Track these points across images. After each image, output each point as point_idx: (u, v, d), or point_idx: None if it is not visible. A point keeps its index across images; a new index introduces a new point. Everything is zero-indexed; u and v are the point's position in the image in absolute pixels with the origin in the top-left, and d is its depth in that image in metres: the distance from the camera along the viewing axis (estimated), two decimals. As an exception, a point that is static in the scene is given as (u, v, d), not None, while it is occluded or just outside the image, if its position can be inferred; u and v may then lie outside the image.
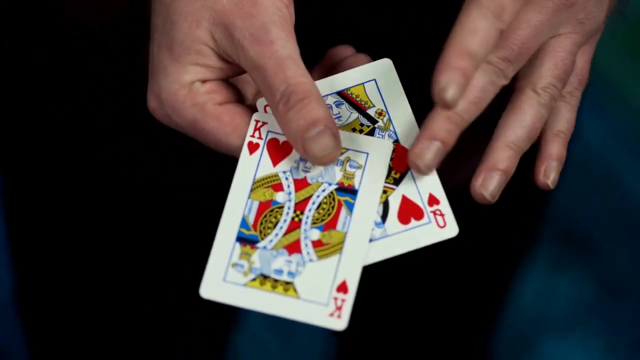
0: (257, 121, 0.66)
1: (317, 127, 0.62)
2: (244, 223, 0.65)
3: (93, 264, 0.97)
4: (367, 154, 0.66)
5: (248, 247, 0.64)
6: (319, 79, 0.69)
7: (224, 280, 0.63)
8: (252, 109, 0.67)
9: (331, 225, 0.64)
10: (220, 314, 1.10)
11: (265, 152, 0.66)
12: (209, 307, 1.00)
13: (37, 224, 0.97)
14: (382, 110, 0.68)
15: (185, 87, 0.65)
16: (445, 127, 0.63)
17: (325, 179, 0.66)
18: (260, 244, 0.64)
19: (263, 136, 0.66)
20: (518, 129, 0.66)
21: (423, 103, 0.72)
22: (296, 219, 0.65)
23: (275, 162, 0.66)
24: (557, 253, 1.62)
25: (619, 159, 1.69)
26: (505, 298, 1.22)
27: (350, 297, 0.63)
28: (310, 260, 0.64)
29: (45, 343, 1.06)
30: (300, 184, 0.65)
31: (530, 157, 0.68)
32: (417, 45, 0.83)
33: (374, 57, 0.70)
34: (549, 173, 0.68)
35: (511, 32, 0.63)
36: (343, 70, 0.69)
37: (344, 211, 0.65)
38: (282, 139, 0.66)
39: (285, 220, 0.65)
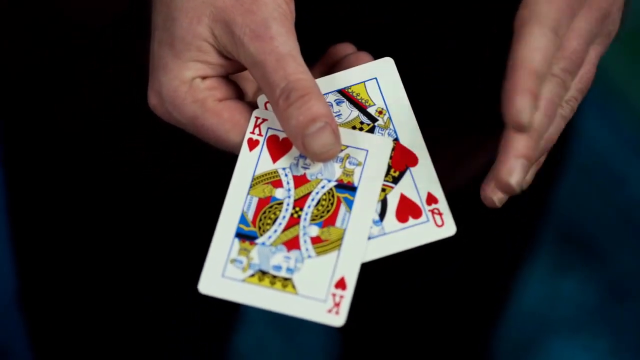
0: (257, 118, 0.66)
1: (317, 123, 0.62)
2: (243, 219, 0.64)
3: (94, 264, 0.97)
4: (367, 151, 0.66)
5: (247, 243, 0.64)
6: (320, 76, 0.69)
7: (223, 275, 0.63)
8: (252, 106, 0.67)
9: (330, 221, 0.64)
10: (220, 312, 1.09)
11: (265, 148, 0.66)
12: (210, 306, 1.00)
13: (39, 223, 0.97)
14: (382, 108, 0.67)
15: (186, 83, 0.65)
16: (527, 145, 0.62)
17: (324, 176, 0.65)
18: (259, 240, 0.64)
19: (263, 133, 0.66)
20: None
21: (423, 102, 0.72)
22: (295, 216, 0.64)
23: (275, 159, 0.66)
24: (560, 255, 1.62)
25: (622, 160, 1.69)
26: (507, 298, 1.22)
27: (348, 294, 0.63)
28: (309, 256, 0.64)
29: (47, 342, 1.06)
30: (300, 181, 0.65)
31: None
32: (418, 43, 0.83)
33: (374, 55, 0.69)
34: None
35: (566, 43, 0.63)
36: (344, 68, 0.69)
37: (343, 208, 0.65)
38: (282, 135, 0.66)
39: (284, 217, 0.64)
